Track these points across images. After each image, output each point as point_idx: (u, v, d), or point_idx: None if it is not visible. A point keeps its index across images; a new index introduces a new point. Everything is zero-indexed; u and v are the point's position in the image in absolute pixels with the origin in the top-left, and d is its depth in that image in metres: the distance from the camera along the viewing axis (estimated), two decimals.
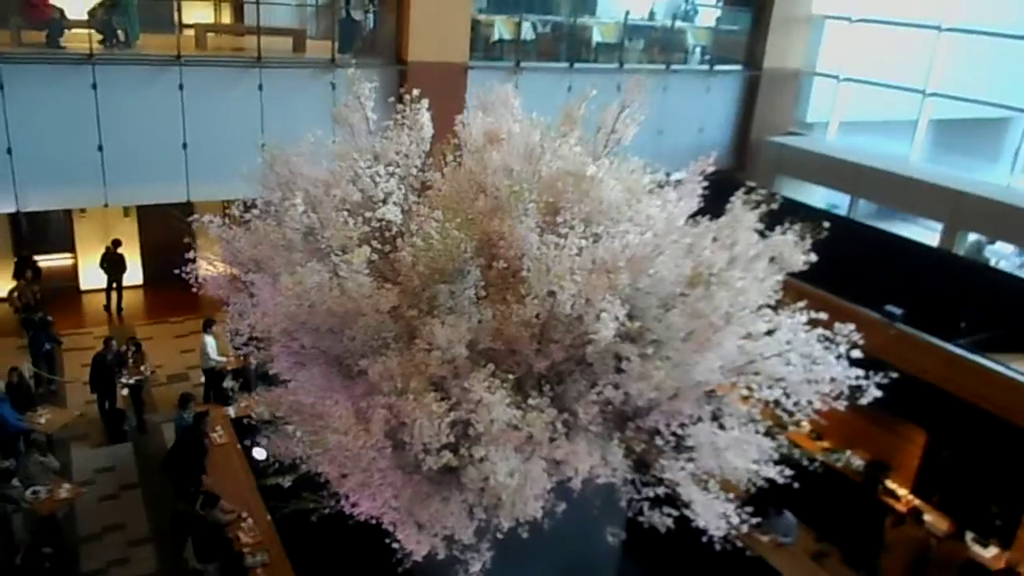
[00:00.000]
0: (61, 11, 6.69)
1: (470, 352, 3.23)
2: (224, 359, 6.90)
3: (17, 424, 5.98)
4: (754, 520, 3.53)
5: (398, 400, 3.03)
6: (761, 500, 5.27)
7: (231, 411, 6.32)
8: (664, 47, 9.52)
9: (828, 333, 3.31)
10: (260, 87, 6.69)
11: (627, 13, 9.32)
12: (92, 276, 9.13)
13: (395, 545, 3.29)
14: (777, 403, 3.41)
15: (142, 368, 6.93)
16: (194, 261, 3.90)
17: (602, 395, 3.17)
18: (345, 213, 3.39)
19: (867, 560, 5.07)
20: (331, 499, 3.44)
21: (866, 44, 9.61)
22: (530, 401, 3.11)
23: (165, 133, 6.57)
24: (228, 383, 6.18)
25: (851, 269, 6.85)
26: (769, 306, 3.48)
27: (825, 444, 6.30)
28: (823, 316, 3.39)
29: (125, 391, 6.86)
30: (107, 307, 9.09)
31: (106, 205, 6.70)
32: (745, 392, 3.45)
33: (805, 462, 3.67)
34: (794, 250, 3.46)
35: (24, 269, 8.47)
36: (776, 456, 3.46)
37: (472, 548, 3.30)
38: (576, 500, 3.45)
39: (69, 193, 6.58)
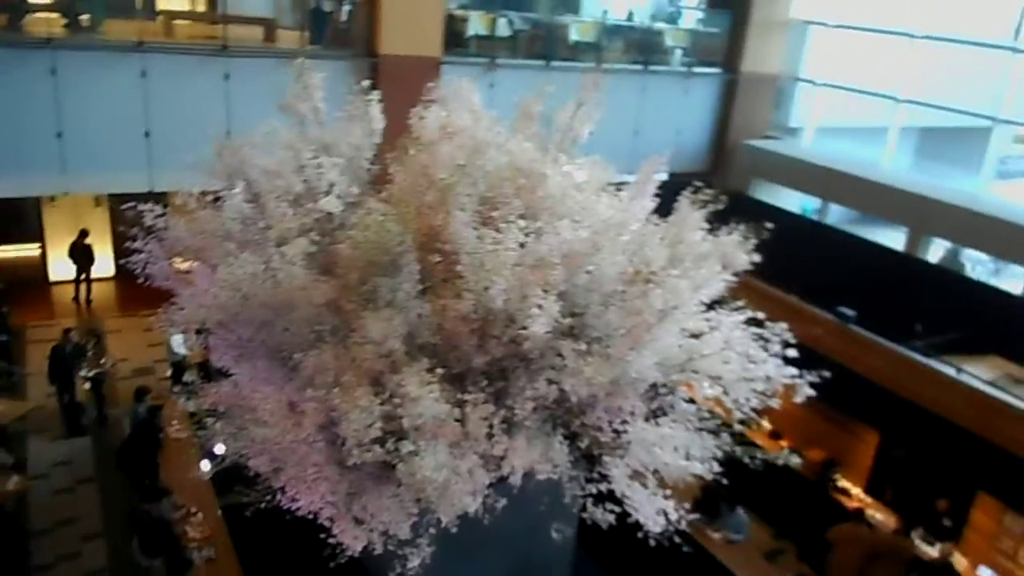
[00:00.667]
0: None
1: (409, 347, 3.22)
2: (188, 352, 6.82)
3: None
4: (693, 516, 3.55)
5: (330, 394, 3.01)
6: (714, 497, 5.36)
7: (190, 404, 6.24)
8: (643, 48, 9.55)
9: (764, 332, 3.35)
10: (227, 76, 6.62)
11: (605, 12, 9.33)
12: (61, 267, 8.96)
13: (331, 540, 3.27)
14: (718, 401, 3.44)
15: (101, 361, 6.83)
16: (139, 252, 3.84)
17: (536, 391, 3.17)
18: (285, 204, 3.37)
19: (819, 557, 5.14)
20: (268, 494, 3.41)
21: (846, 50, 9.70)
22: (467, 396, 3.11)
23: (127, 121, 6.48)
24: (188, 376, 6.11)
25: (815, 271, 6.93)
26: (712, 305, 3.51)
27: (783, 443, 6.37)
28: (760, 315, 3.43)
29: (87, 384, 6.76)
30: (76, 299, 8.94)
31: (65, 193, 6.58)
32: (685, 390, 3.49)
33: (746, 460, 3.70)
34: (738, 250, 3.50)
35: None
36: (718, 454, 3.49)
37: (410, 543, 3.29)
38: (529, 497, 3.45)
39: (26, 180, 6.46)
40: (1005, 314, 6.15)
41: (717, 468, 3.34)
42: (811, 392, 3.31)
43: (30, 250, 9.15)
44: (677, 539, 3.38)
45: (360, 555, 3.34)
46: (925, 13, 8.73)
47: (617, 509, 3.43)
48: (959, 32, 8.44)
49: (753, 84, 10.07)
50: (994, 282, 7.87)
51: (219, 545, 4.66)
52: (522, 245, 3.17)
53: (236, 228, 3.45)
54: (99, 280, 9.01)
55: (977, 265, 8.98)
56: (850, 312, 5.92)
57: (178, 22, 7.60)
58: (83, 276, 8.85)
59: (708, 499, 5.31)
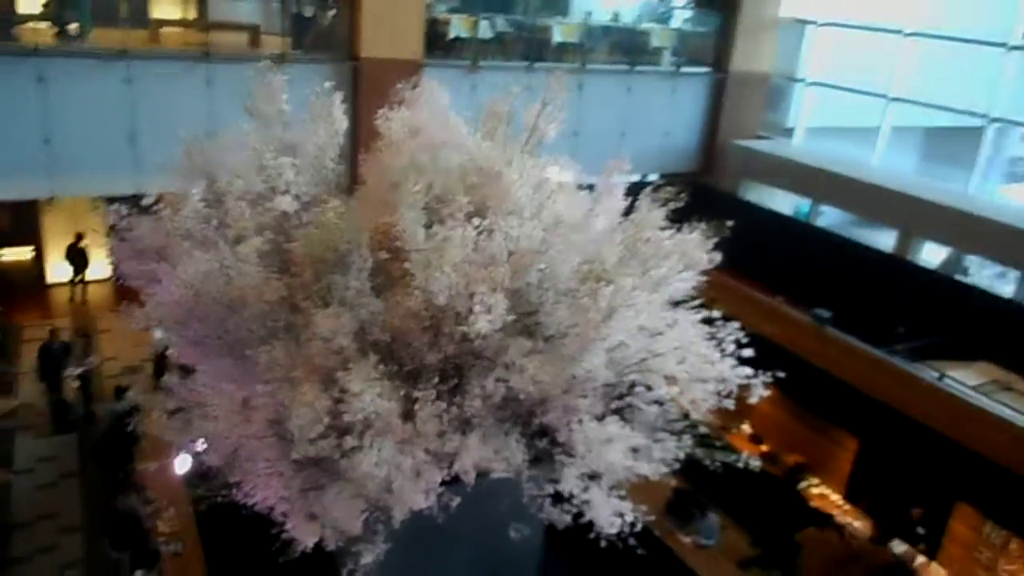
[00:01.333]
0: (12, 2, 6.75)
1: (361, 343, 3.24)
2: (167, 349, 6.89)
3: None
4: (650, 518, 3.52)
5: (279, 389, 3.04)
6: (686, 502, 5.30)
7: (162, 401, 6.30)
8: (629, 48, 9.51)
9: (718, 332, 3.32)
10: (209, 82, 6.74)
11: (589, 13, 9.32)
12: (59, 269, 9.16)
13: (284, 535, 3.29)
14: (673, 400, 3.41)
15: (88, 359, 6.95)
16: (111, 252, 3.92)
17: (484, 389, 3.17)
18: (244, 204, 3.41)
19: (784, 562, 5.05)
20: (225, 489, 3.44)
21: (839, 48, 9.60)
22: (417, 393, 3.11)
23: (113, 126, 6.61)
24: (166, 373, 6.17)
25: (802, 271, 6.85)
26: (678, 304, 3.48)
27: (763, 448, 6.29)
28: (717, 314, 3.39)
29: (76, 382, 6.88)
30: (72, 300, 9.13)
31: (52, 198, 6.72)
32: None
33: (706, 462, 3.67)
34: (699, 248, 3.48)
35: None
36: (680, 455, 3.46)
37: (363, 539, 3.30)
38: (490, 496, 3.44)
39: (14, 184, 6.61)
40: (997, 319, 6.02)
41: (666, 470, 3.30)
42: (765, 392, 3.28)
43: (27, 253, 9.36)
44: (632, 541, 3.35)
45: (327, 551, 3.35)
46: (922, 11, 8.60)
47: (574, 510, 3.41)
48: (959, 32, 8.28)
49: (743, 83, 9.97)
50: (995, 287, 7.70)
51: (187, 539, 4.70)
52: (475, 244, 3.18)
53: (196, 227, 3.50)
54: (95, 282, 9.20)
55: (983, 269, 8.79)
56: (826, 313, 5.81)
57: (165, 30, 7.73)
58: (79, 278, 9.06)
59: (679, 503, 5.26)
